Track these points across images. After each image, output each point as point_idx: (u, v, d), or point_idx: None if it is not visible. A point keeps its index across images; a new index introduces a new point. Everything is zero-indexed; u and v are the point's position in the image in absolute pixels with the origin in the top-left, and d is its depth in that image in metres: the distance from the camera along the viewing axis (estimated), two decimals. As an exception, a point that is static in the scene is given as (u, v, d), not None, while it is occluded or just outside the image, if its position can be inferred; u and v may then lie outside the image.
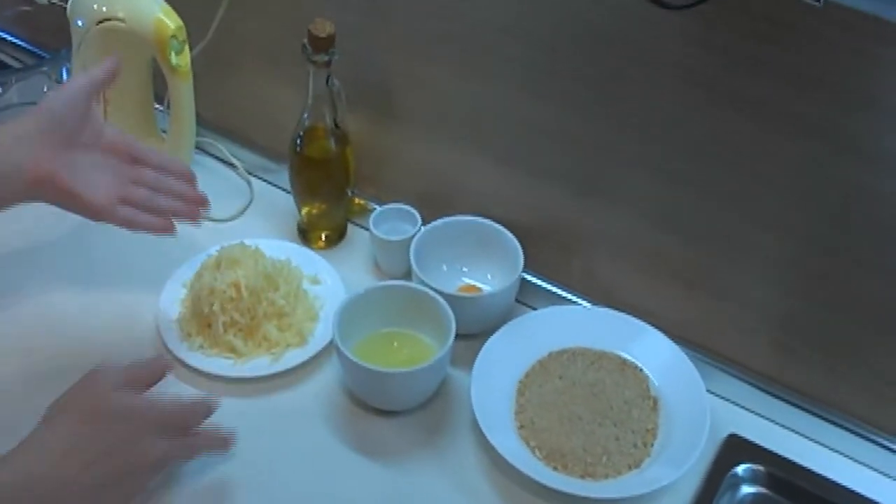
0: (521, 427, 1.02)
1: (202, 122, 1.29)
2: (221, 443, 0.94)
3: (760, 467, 1.00)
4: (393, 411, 1.04)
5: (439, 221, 1.16)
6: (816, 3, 0.80)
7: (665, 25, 0.92)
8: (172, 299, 1.12)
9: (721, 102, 0.93)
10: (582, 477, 0.98)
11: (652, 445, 1.01)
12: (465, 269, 1.17)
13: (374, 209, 1.20)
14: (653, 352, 1.08)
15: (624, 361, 1.08)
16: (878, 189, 0.89)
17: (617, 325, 1.10)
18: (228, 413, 1.01)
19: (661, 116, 0.98)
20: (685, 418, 1.02)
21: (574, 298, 1.15)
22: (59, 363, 1.04)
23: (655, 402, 1.05)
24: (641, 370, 1.07)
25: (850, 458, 1.03)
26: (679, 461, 0.96)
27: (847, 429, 1.02)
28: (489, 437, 0.98)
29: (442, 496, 0.98)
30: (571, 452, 0.99)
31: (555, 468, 0.98)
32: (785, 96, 0.89)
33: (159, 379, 0.92)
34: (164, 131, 1.30)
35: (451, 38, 1.07)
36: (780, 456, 1.01)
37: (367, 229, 1.18)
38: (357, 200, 1.24)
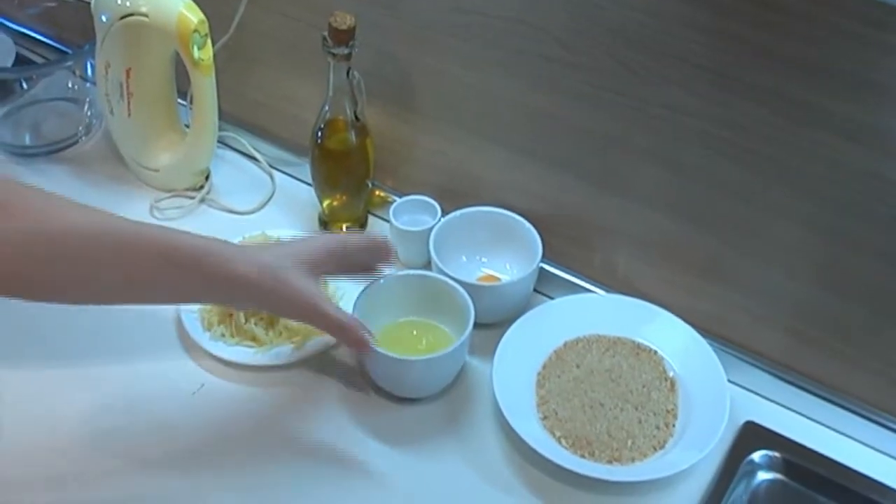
0: (545, 418, 1.04)
1: (224, 115, 1.31)
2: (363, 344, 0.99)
3: (777, 454, 1.02)
4: (413, 399, 1.06)
5: (458, 212, 1.18)
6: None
7: (677, 16, 0.94)
8: None
9: (733, 92, 0.95)
10: (609, 462, 1.00)
11: (674, 426, 1.04)
12: (484, 260, 1.20)
13: (394, 200, 1.22)
14: (666, 334, 1.11)
15: (638, 346, 1.11)
16: (892, 177, 0.91)
17: (629, 310, 1.13)
18: (250, 401, 1.06)
19: (673, 107, 0.99)
20: (704, 397, 1.04)
21: (592, 288, 1.17)
22: (78, 349, 1.08)
23: (673, 383, 1.08)
24: (656, 353, 1.10)
25: (867, 445, 1.04)
26: (701, 442, 0.99)
27: (863, 416, 1.04)
28: (515, 427, 1.00)
29: (465, 484, 1.00)
30: (597, 439, 1.02)
31: (582, 456, 1.01)
32: (797, 85, 0.91)
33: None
34: (186, 125, 1.32)
35: (469, 31, 1.09)
36: (796, 443, 1.03)
37: (387, 220, 1.21)
38: (377, 192, 1.27)
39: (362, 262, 1.04)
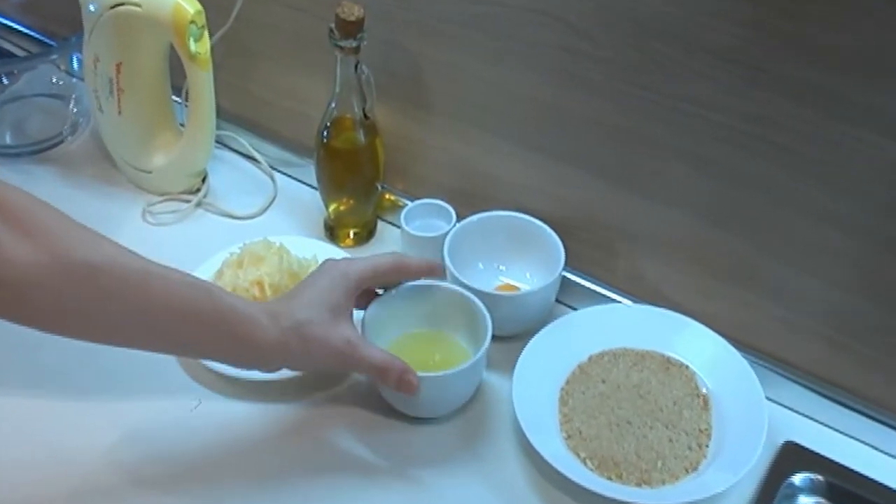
0: (569, 437, 1.03)
1: (222, 113, 1.30)
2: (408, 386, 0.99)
3: (819, 476, 1.01)
4: (426, 418, 1.05)
5: (474, 217, 1.17)
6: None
7: (706, 5, 0.93)
8: None
9: (766, 86, 0.94)
10: (638, 485, 0.99)
11: (707, 446, 1.02)
12: (502, 268, 1.19)
13: (406, 204, 1.22)
14: (698, 347, 1.09)
15: (668, 359, 1.10)
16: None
17: (658, 321, 1.12)
18: (251, 419, 1.05)
19: (703, 102, 0.99)
20: (739, 415, 1.03)
21: (618, 297, 1.16)
22: (65, 366, 1.08)
23: (706, 399, 1.06)
24: (688, 367, 1.09)
25: (916, 467, 1.03)
26: (737, 464, 0.97)
27: (911, 435, 1.03)
28: (537, 447, 0.98)
29: (485, 511, 0.99)
30: (625, 460, 1.01)
31: (609, 478, 0.99)
32: (834, 77, 0.90)
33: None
34: (182, 124, 1.32)
35: (485, 23, 1.08)
36: (839, 464, 1.01)
37: (398, 226, 1.20)
38: (387, 195, 1.26)
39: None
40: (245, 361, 0.96)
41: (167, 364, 1.09)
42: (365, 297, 1.04)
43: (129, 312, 0.87)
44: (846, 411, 1.06)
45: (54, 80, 1.44)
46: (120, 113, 1.28)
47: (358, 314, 1.03)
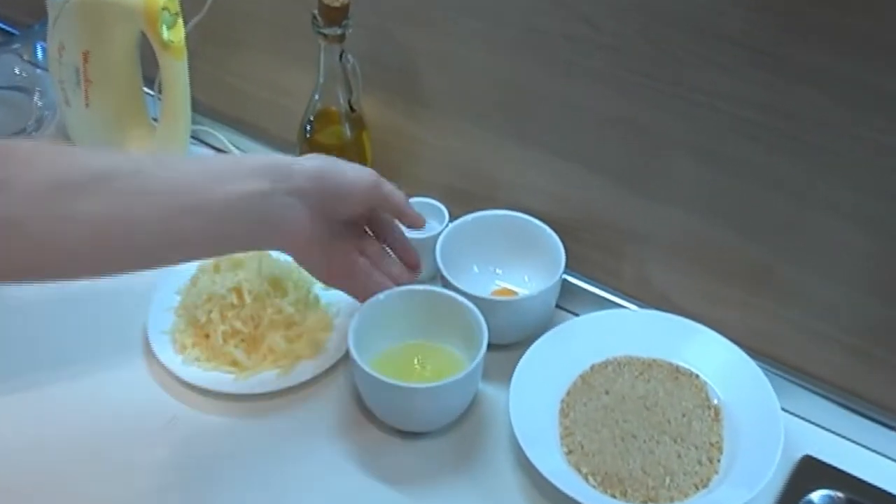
0: (570, 452, 1.03)
1: (198, 107, 1.31)
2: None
3: (839, 493, 1.00)
4: (418, 433, 1.05)
5: (469, 217, 1.16)
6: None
7: None
8: (164, 307, 1.13)
9: (785, 76, 0.93)
10: (644, 503, 0.98)
11: (719, 461, 1.01)
12: (498, 271, 1.18)
13: None
14: (709, 355, 1.09)
15: (677, 368, 1.10)
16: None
17: (665, 328, 1.11)
18: (228, 435, 1.05)
19: (716, 93, 0.98)
20: (753, 427, 1.02)
21: (623, 302, 1.16)
22: (35, 379, 1.08)
23: (717, 411, 1.06)
24: (698, 376, 1.09)
25: (944, 483, 1.02)
26: (751, 480, 0.96)
27: (939, 449, 1.02)
28: (536, 463, 0.97)
29: (478, 530, 0.98)
30: (630, 476, 1.00)
31: (613, 496, 0.99)
32: (859, 66, 0.89)
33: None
34: (154, 118, 1.31)
35: (481, 8, 1.08)
36: (861, 480, 1.01)
37: None
38: None
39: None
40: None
41: (140, 375, 1.09)
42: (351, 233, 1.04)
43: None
44: (868, 423, 1.05)
45: (17, 72, 1.43)
46: (88, 106, 1.28)
47: (348, 322, 1.03)
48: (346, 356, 1.05)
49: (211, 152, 1.36)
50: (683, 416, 1.05)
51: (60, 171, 0.86)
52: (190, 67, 1.23)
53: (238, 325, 1.08)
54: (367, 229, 1.06)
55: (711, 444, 1.03)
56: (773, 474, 0.97)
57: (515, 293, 1.16)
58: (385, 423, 1.05)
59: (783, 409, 1.04)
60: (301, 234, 0.96)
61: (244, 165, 0.94)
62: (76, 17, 1.20)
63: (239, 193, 0.91)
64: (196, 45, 1.25)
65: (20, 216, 0.83)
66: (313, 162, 0.97)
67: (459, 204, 1.18)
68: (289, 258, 1.11)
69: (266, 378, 1.07)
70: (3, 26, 1.47)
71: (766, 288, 1.06)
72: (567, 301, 1.17)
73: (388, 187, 1.00)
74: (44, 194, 0.84)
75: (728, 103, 0.98)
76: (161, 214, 0.89)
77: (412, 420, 1.04)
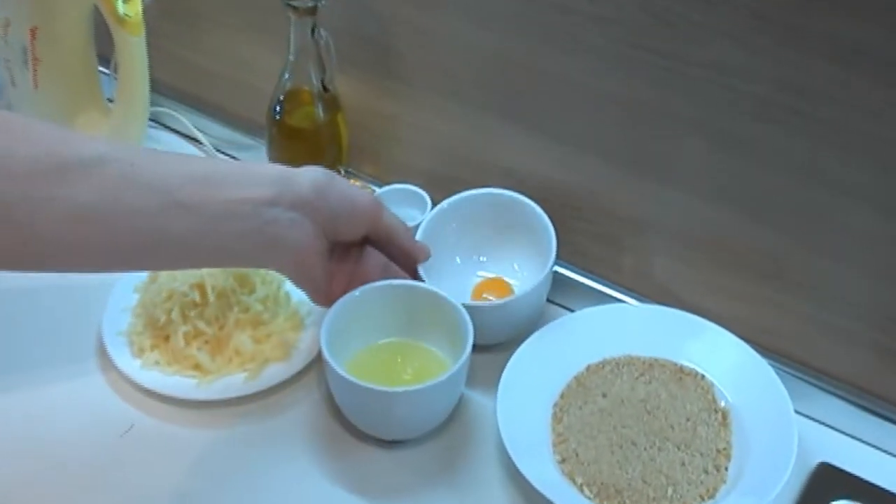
0: (563, 461, 1.01)
1: (158, 87, 1.30)
2: None
3: (858, 503, 0.99)
4: (397, 441, 1.04)
5: (450, 199, 1.15)
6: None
7: None
8: (121, 307, 1.12)
9: (801, 48, 0.92)
10: None
11: (726, 469, 1.00)
12: (483, 259, 1.17)
13: (373, 191, 1.20)
14: (716, 354, 1.08)
15: (681, 368, 1.08)
16: None
17: (669, 324, 1.10)
18: (191, 445, 1.03)
19: (723, 67, 0.97)
20: (765, 432, 1.01)
21: (622, 296, 1.15)
22: None
23: (725, 415, 1.05)
24: (703, 377, 1.07)
25: (970, 492, 1.00)
26: (762, 489, 0.94)
27: (966, 455, 1.01)
28: (526, 472, 0.96)
29: (462, 546, 0.97)
30: (629, 486, 0.98)
31: None
32: (882, 37, 0.88)
33: None
34: (109, 99, 1.31)
35: None
36: (882, 488, 1.00)
37: None
38: (352, 180, 1.24)
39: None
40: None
41: (93, 381, 1.08)
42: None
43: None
44: (890, 426, 1.04)
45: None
46: (36, 87, 1.27)
47: (321, 320, 1.02)
48: (319, 358, 1.03)
49: (172, 136, 1.37)
50: (688, 420, 1.04)
51: (50, 151, 0.85)
52: (148, 44, 1.23)
53: (201, 325, 1.07)
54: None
55: (719, 451, 1.01)
56: (787, 483, 0.95)
57: (502, 281, 1.15)
58: (362, 430, 1.04)
59: (797, 412, 1.02)
60: (305, 251, 0.95)
61: (249, 170, 0.94)
62: (24, -6, 1.18)
63: (241, 198, 0.91)
64: (154, 19, 1.24)
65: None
66: (314, 173, 0.96)
67: (442, 190, 1.17)
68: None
69: (232, 383, 1.06)
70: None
71: (779, 279, 1.05)
72: (560, 295, 1.16)
73: (389, 213, 1.02)
74: (25, 176, 0.83)
75: (737, 78, 0.97)
76: (153, 207, 0.88)
77: (391, 427, 1.03)
